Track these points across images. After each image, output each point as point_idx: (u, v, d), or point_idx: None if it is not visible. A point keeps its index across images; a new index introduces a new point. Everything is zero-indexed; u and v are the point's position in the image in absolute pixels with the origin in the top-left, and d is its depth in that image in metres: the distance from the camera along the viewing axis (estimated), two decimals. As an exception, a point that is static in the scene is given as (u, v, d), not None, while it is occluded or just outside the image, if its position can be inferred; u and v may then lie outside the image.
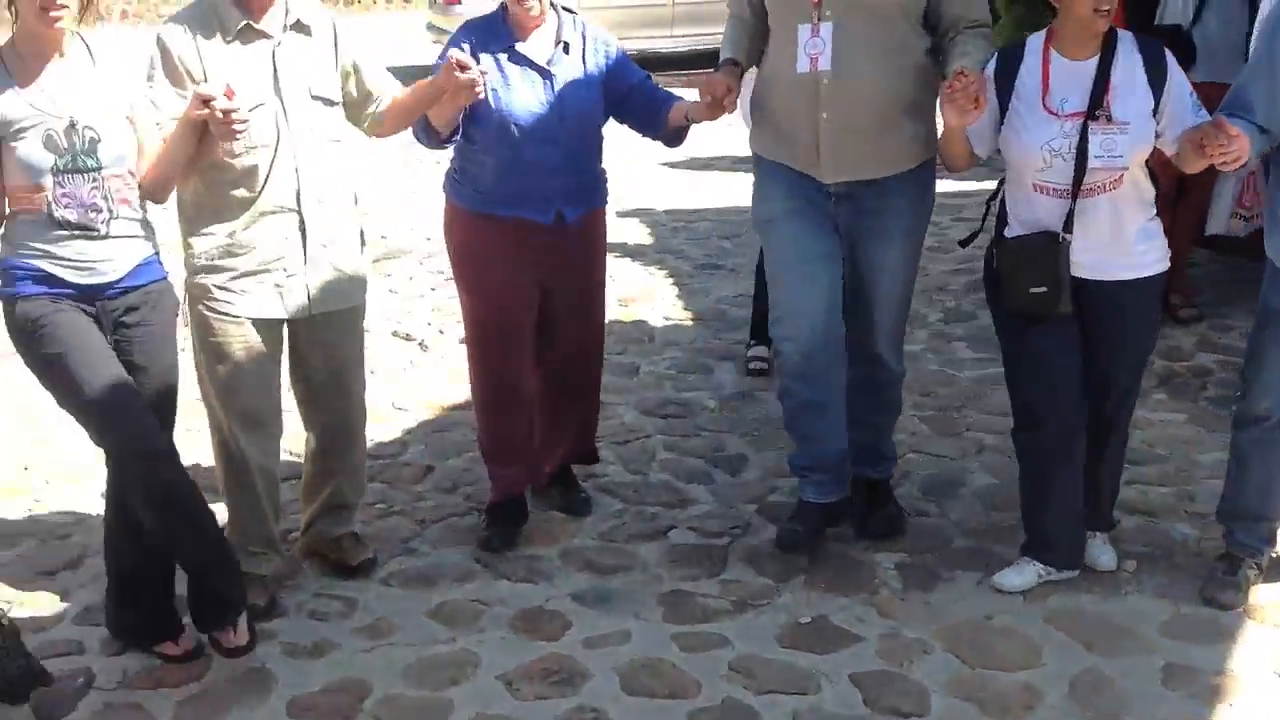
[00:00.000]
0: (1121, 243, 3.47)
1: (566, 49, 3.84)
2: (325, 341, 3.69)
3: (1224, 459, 3.80)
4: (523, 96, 3.76)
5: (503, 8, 3.85)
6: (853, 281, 3.82)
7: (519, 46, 3.81)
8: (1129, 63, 3.41)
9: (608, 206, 4.13)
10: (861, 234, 3.76)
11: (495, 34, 3.83)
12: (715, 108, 3.65)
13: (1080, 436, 3.64)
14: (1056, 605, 3.61)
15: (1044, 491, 3.69)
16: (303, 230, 3.53)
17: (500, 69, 3.78)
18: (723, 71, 3.76)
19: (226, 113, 3.16)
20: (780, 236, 3.85)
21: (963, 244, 3.84)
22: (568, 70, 3.83)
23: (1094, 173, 3.38)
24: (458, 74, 3.45)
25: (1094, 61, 3.41)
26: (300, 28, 3.52)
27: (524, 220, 3.82)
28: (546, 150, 3.75)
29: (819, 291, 3.77)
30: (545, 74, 3.79)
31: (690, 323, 6.10)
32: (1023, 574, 3.72)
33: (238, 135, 3.23)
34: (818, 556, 3.91)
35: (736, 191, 7.39)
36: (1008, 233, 3.58)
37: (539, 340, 4.06)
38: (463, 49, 3.65)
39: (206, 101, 3.16)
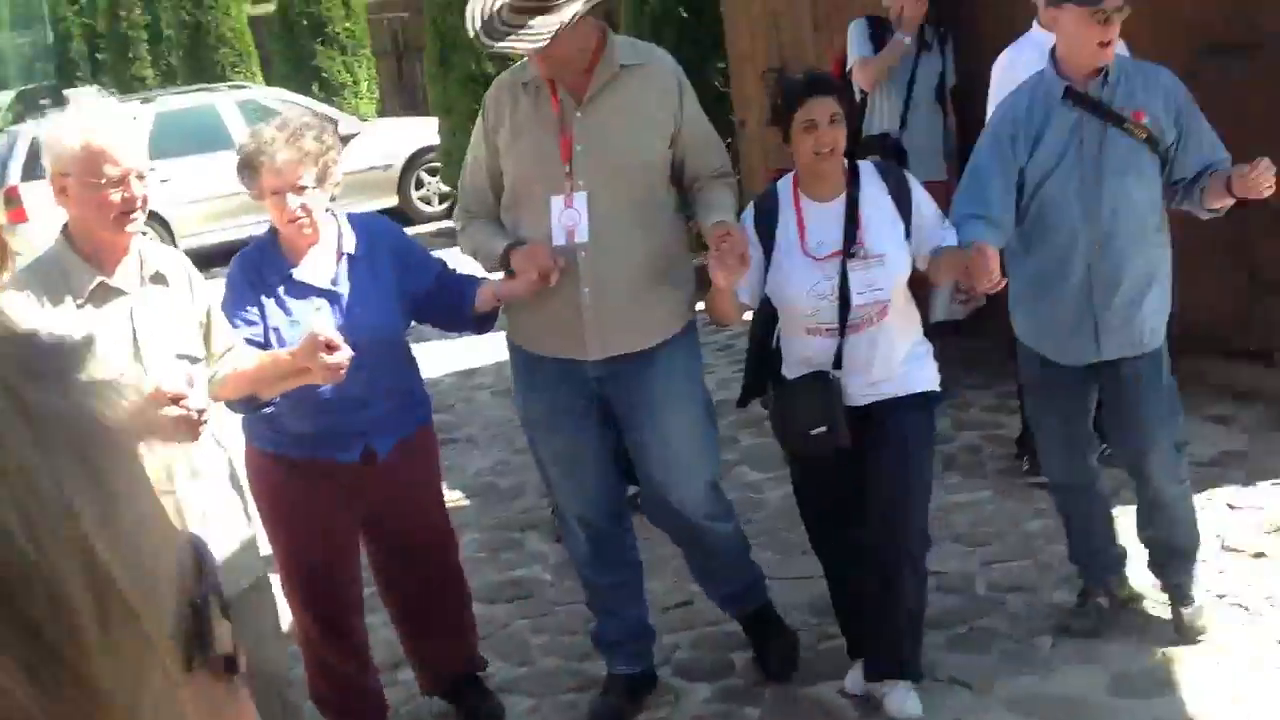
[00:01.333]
0: (892, 367, 3.58)
1: (351, 261, 3.48)
2: None
3: (1048, 521, 4.18)
4: (308, 329, 3.22)
5: (272, 230, 3.48)
6: (643, 460, 3.74)
7: (295, 273, 3.44)
8: (875, 194, 3.56)
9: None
10: (637, 410, 3.66)
11: (269, 263, 3.45)
12: (544, 279, 3.44)
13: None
14: (1006, 694, 3.78)
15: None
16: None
17: (280, 304, 3.41)
18: (530, 246, 3.51)
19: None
20: (548, 444, 3.79)
21: (740, 404, 3.93)
22: (355, 285, 3.46)
23: (859, 309, 3.49)
24: (324, 356, 3.03)
25: (842, 200, 3.53)
26: (159, 279, 3.01)
27: (327, 462, 3.46)
28: (344, 383, 3.19)
29: (596, 495, 3.77)
30: (330, 296, 3.44)
31: (467, 502, 5.86)
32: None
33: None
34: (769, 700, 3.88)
35: (441, 359, 7.20)
36: (784, 373, 3.65)
37: (380, 573, 3.80)
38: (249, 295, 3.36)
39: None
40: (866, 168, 3.62)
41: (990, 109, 4.86)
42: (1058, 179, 3.62)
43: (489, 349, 5.87)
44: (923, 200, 3.61)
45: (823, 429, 3.50)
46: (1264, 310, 5.28)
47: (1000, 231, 3.60)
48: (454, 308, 3.66)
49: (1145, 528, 3.93)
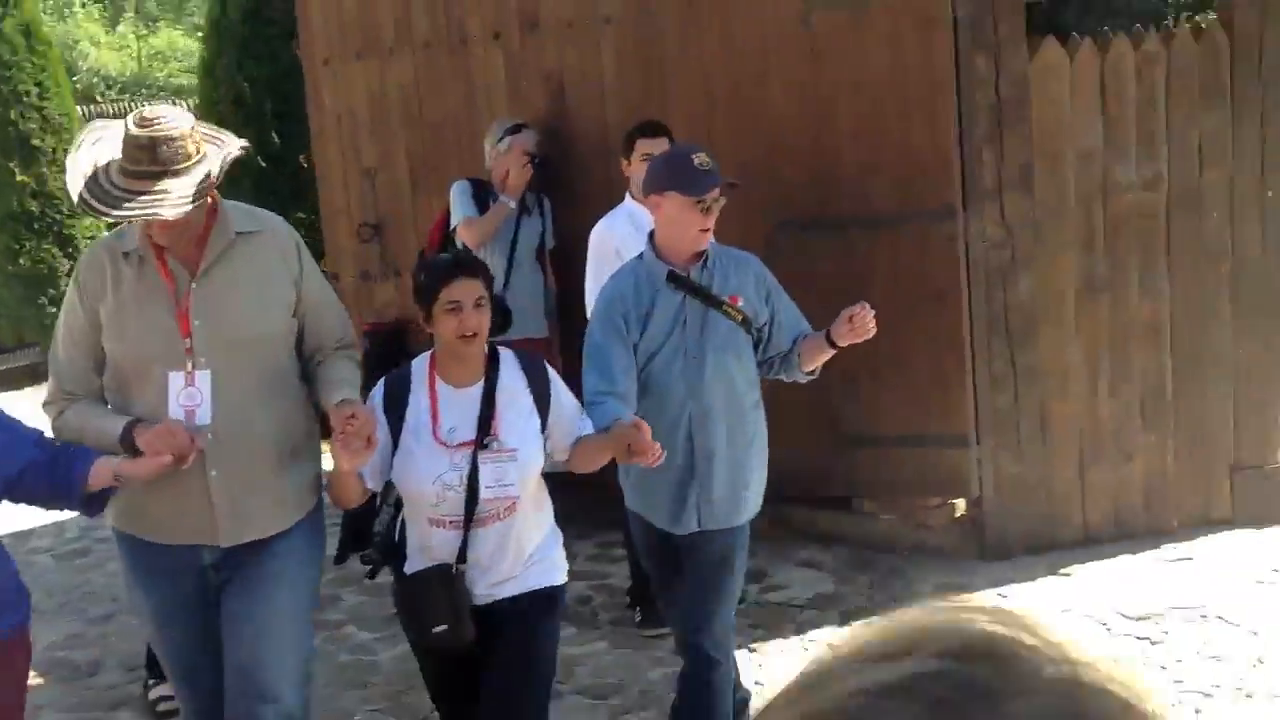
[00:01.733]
0: (518, 564, 3.47)
1: None
2: None
3: (668, 670, 4.36)
4: None
5: None
6: (234, 632, 3.43)
7: None
8: (513, 384, 3.46)
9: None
10: (248, 583, 3.42)
11: None
12: (179, 460, 3.18)
13: None
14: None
15: None
16: None
17: None
18: (163, 425, 3.23)
19: None
20: (163, 643, 3.56)
21: (337, 561, 3.78)
22: None
23: (486, 503, 3.35)
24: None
25: (479, 387, 3.42)
26: None
27: None
28: None
29: (212, 701, 3.49)
30: None
31: (40, 680, 5.29)
32: None
33: None
34: None
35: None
36: (406, 567, 3.50)
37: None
38: None
39: None
40: (508, 357, 3.54)
41: (590, 274, 5.15)
42: (664, 356, 3.78)
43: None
44: (562, 392, 3.55)
45: (444, 627, 3.38)
46: (844, 461, 5.77)
47: (629, 404, 3.68)
48: (59, 485, 3.24)
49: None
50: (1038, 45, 5.47)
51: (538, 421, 3.45)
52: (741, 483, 3.91)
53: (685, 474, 3.83)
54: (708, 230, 3.80)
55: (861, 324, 3.76)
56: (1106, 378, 5.63)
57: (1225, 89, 5.53)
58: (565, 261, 5.95)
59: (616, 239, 5.09)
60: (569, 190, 6.10)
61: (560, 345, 5.88)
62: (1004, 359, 5.56)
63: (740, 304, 3.85)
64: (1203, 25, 5.63)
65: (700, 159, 3.77)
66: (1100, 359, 5.62)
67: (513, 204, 5.80)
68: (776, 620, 5.24)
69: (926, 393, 5.61)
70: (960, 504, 5.85)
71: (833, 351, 3.91)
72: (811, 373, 4.03)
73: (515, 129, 5.88)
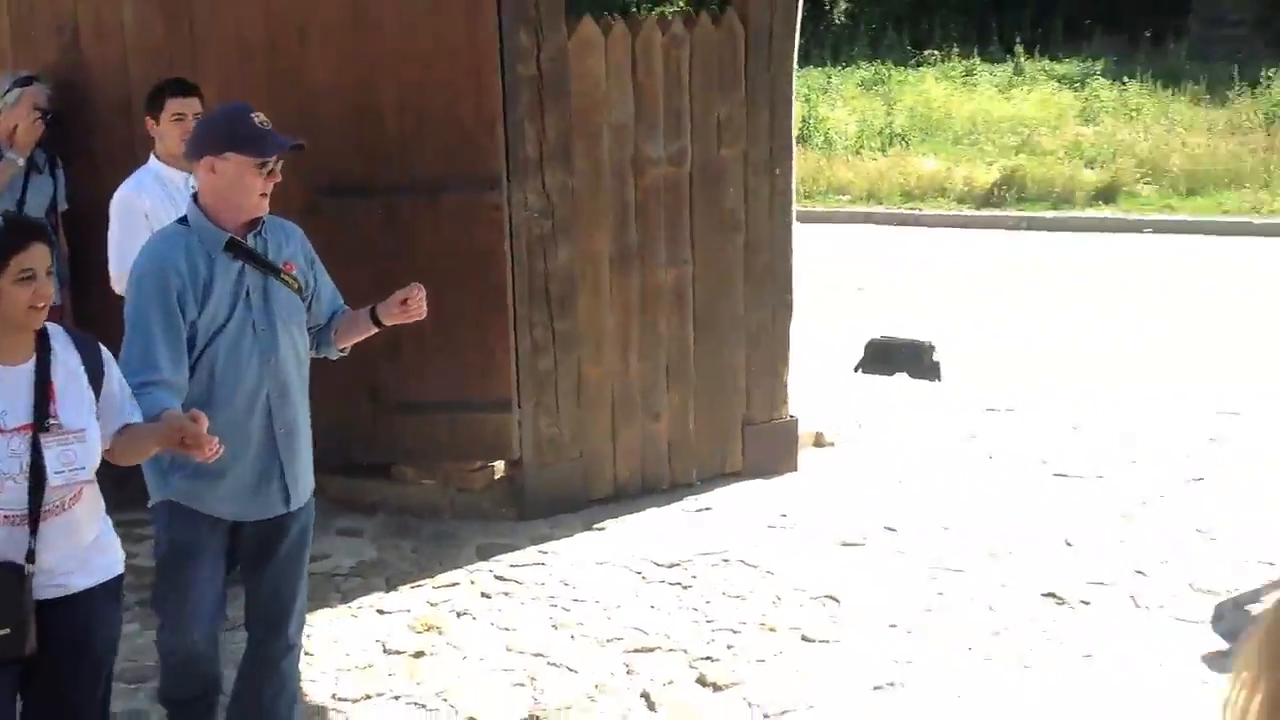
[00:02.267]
0: (82, 553, 3.22)
1: None
2: None
3: None
4: None
5: None
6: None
7: None
8: (69, 360, 3.19)
9: None
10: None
11: None
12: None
13: None
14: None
15: None
16: None
17: None
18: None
19: None
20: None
21: None
22: None
23: (55, 491, 3.08)
24: None
25: (30, 365, 3.12)
26: None
27: None
28: None
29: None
30: None
31: None
32: None
33: None
34: None
35: None
36: None
37: None
38: None
39: None
40: (57, 331, 3.23)
41: (114, 240, 4.84)
42: (231, 332, 3.59)
43: None
44: (116, 373, 3.29)
45: (5, 631, 3.06)
46: (384, 427, 5.78)
47: (178, 393, 3.47)
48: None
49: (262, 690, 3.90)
50: (576, 24, 5.69)
51: (92, 398, 3.19)
52: (308, 458, 3.84)
53: (268, 456, 3.67)
54: (266, 194, 3.65)
55: (416, 306, 3.78)
56: (636, 342, 5.97)
57: (741, 73, 5.98)
58: (81, 225, 5.58)
59: (146, 203, 4.82)
60: (84, 149, 5.71)
61: (74, 316, 5.49)
62: (544, 325, 5.76)
63: (295, 271, 3.75)
64: (721, 14, 6.04)
65: (260, 118, 3.63)
66: (631, 324, 5.95)
67: (20, 161, 5.40)
68: (321, 590, 5.18)
69: (470, 359, 5.73)
70: (500, 466, 6.03)
71: (374, 330, 3.90)
72: (343, 350, 4.00)
73: (25, 81, 5.47)
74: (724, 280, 6.10)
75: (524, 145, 5.63)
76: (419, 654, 4.70)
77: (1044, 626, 4.78)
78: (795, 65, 6.17)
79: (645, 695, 4.39)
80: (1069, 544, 5.45)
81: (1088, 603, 4.94)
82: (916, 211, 14.73)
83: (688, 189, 5.99)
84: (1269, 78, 17.19)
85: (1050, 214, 14.12)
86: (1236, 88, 17.78)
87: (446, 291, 5.35)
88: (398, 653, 4.72)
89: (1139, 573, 5.17)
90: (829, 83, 21.22)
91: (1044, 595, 5.01)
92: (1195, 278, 11.27)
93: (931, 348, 8.07)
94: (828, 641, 4.71)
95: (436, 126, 5.55)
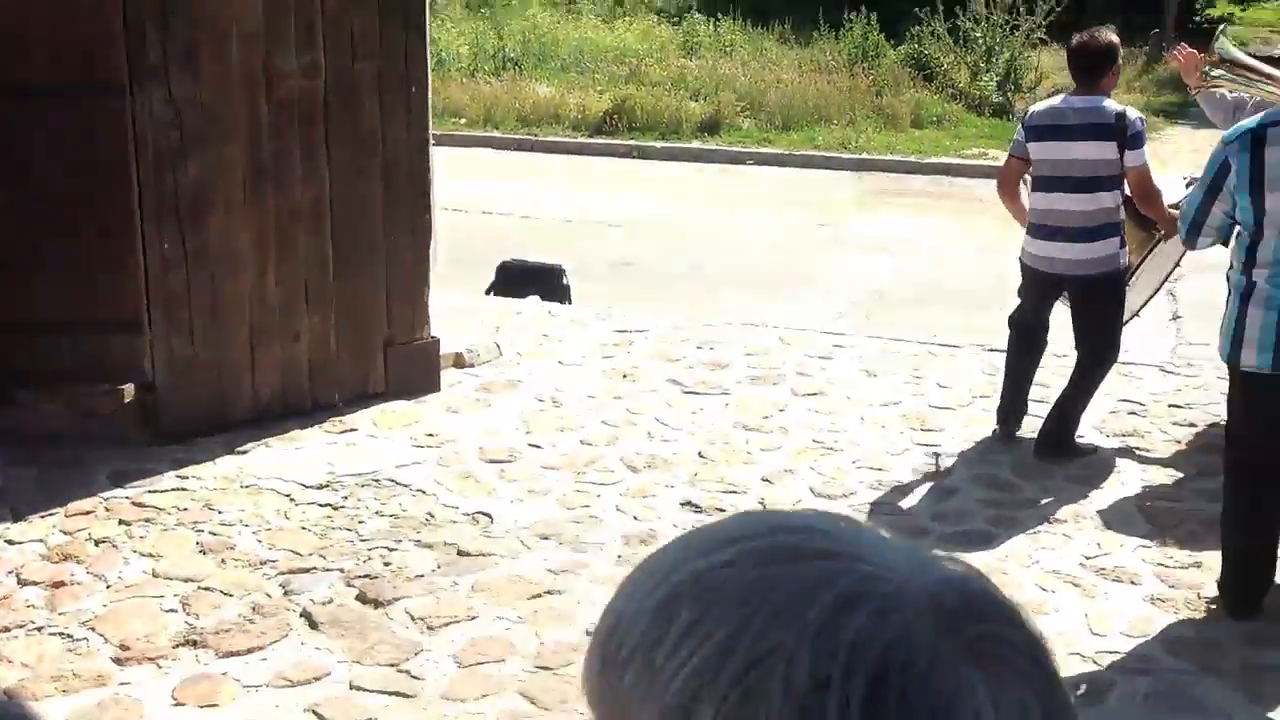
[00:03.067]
0: None
1: None
2: None
3: None
4: None
5: None
6: None
7: None
8: None
9: None
10: None
11: None
12: None
13: None
14: None
15: None
16: None
17: None
18: None
19: None
20: None
21: None
22: None
23: None
24: None
25: None
26: None
27: None
28: None
29: None
30: None
31: None
32: None
33: None
34: None
35: None
36: None
37: None
38: None
39: None
40: None
41: None
42: None
43: None
44: None
45: None
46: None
47: None
48: None
49: None
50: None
51: None
52: None
53: None
54: None
55: None
56: (274, 261, 5.78)
57: (375, -14, 5.86)
58: None
59: None
60: None
61: None
62: (175, 242, 5.48)
63: None
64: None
65: None
66: (267, 243, 5.75)
67: None
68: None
69: (95, 277, 5.38)
70: (129, 389, 5.71)
71: None
72: None
73: None
74: (362, 200, 5.98)
75: (147, 50, 5.30)
76: (58, 584, 4.42)
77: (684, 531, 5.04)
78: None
79: (306, 614, 4.32)
80: (702, 456, 5.76)
81: (722, 510, 5.26)
82: (533, 137, 14.91)
83: (322, 105, 5.82)
84: (850, 20, 18.43)
85: (660, 144, 14.66)
86: (822, 29, 18.99)
87: (66, 205, 5.01)
88: (34, 583, 4.43)
89: (765, 480, 5.55)
90: (435, 3, 21.04)
91: (683, 504, 5.28)
92: (794, 205, 12.04)
93: (562, 270, 8.24)
94: (484, 555, 4.79)
95: (52, 26, 5.13)
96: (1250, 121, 4.27)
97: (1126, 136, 5.40)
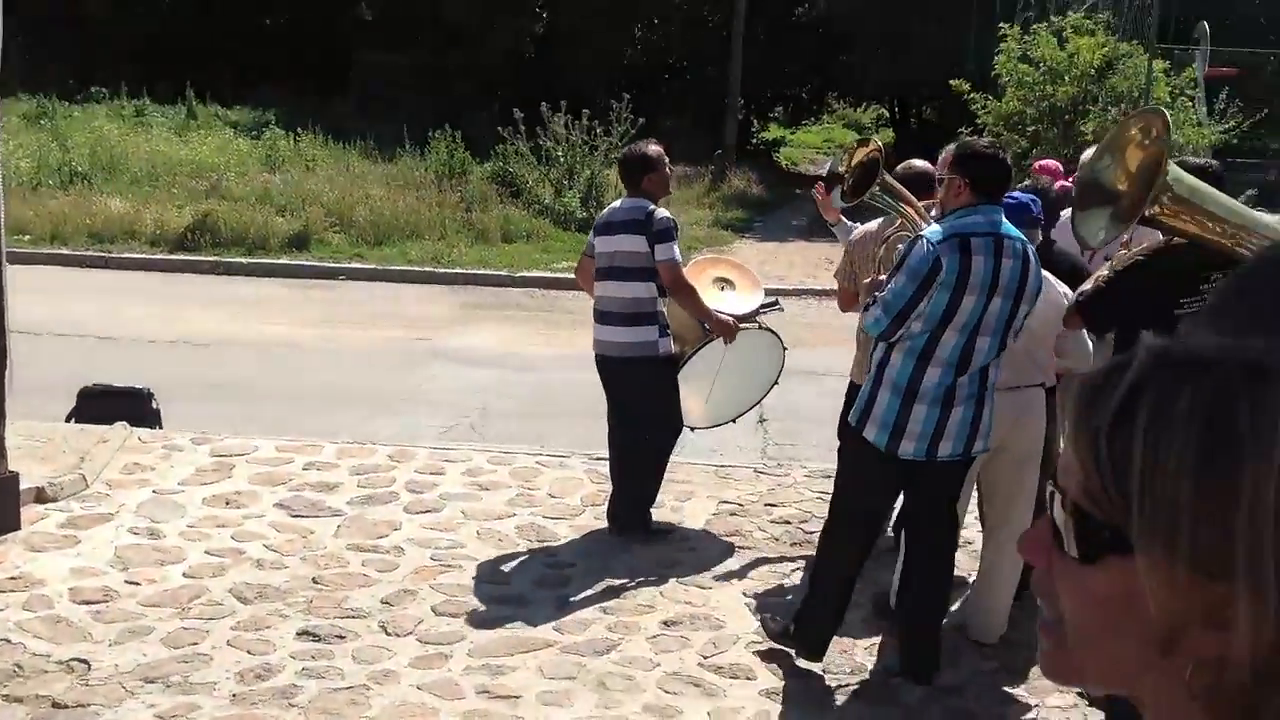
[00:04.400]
0: None
1: None
2: None
3: None
4: None
5: None
6: None
7: None
8: None
9: None
10: None
11: None
12: None
13: None
14: None
15: None
16: None
17: None
18: None
19: None
20: None
21: None
22: None
23: None
24: None
25: None
26: None
27: None
28: None
29: None
30: None
31: None
32: None
33: None
34: None
35: None
36: None
37: None
38: None
39: None
40: None
41: None
42: None
43: None
44: None
45: None
46: None
47: None
48: None
49: None
50: None
51: None
52: None
53: None
54: None
55: None
56: None
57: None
58: None
59: None
60: None
61: None
62: None
63: None
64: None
65: None
66: None
67: None
68: None
69: None
70: None
71: None
72: None
73: None
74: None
75: None
76: None
77: (304, 663, 4.81)
78: None
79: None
80: (316, 582, 5.54)
81: (343, 637, 5.05)
82: (106, 254, 14.10)
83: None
84: (435, 139, 18.70)
85: (247, 259, 14.22)
86: (407, 146, 19.15)
87: None
88: None
89: (385, 603, 5.38)
90: (-10, 115, 19.74)
91: (299, 634, 5.04)
92: (391, 320, 11.96)
93: (149, 393, 7.78)
94: (82, 706, 4.38)
95: None
96: (941, 230, 4.46)
97: (653, 232, 5.89)
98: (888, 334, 4.52)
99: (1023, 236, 4.58)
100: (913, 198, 5.04)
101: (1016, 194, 5.12)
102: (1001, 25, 18.84)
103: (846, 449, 4.99)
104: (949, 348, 4.47)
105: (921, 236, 4.51)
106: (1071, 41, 17.24)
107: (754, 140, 32.79)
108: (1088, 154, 4.84)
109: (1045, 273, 4.75)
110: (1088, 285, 4.55)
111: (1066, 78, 17.15)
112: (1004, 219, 4.54)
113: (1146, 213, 3.99)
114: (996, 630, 5.21)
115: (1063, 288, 4.89)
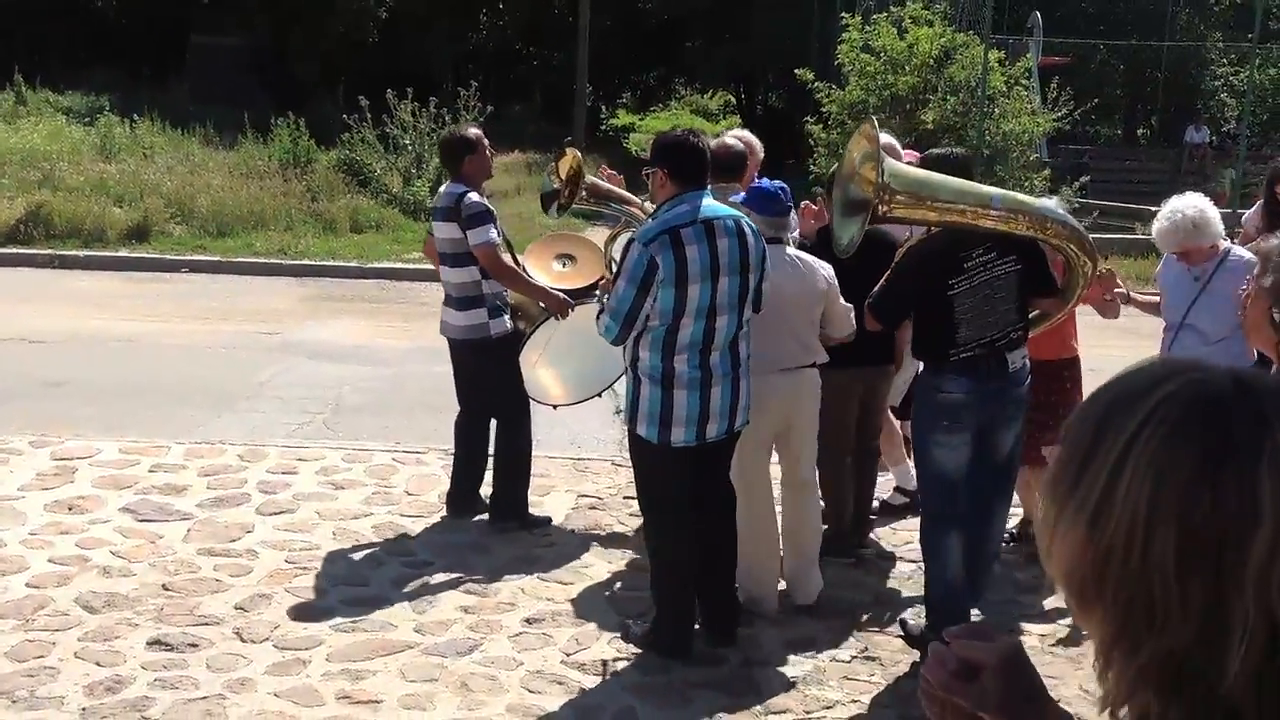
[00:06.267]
0: None
1: None
2: None
3: None
4: None
5: None
6: None
7: None
8: None
9: None
10: None
11: None
12: None
13: None
14: None
15: None
16: None
17: None
18: None
19: None
20: None
21: None
22: None
23: None
24: None
25: None
26: None
27: None
28: None
29: None
30: None
31: None
32: None
33: None
34: None
35: None
36: None
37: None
38: None
39: None
40: None
41: None
42: None
43: None
44: None
45: None
46: None
47: None
48: None
49: None
50: None
51: None
52: None
53: None
54: None
55: None
56: None
57: None
58: None
59: None
60: None
61: None
62: None
63: None
64: None
65: None
66: None
67: None
68: None
69: None
70: None
71: None
72: None
73: None
74: None
75: None
76: None
77: (156, 674, 4.69)
78: None
79: None
80: (167, 589, 5.40)
81: (195, 646, 4.93)
82: (-68, 248, 13.51)
83: None
84: (278, 126, 18.29)
85: (84, 253, 13.74)
86: (249, 133, 18.70)
87: None
88: None
89: (240, 609, 5.28)
90: None
91: (150, 643, 4.91)
92: (238, 314, 11.68)
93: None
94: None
95: None
96: (656, 225, 4.65)
97: (464, 218, 5.97)
98: (621, 338, 4.75)
99: (735, 212, 4.83)
100: (628, 195, 5.32)
101: (764, 183, 5.36)
102: (844, 15, 19.19)
103: (630, 447, 5.10)
104: (689, 333, 4.69)
105: (633, 240, 4.74)
106: (911, 32, 17.64)
107: (603, 127, 32.84)
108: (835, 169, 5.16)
109: (810, 258, 5.21)
110: (876, 289, 4.95)
111: (907, 67, 17.55)
112: (711, 200, 4.77)
113: (880, 211, 4.48)
114: (815, 589, 5.46)
115: (826, 271, 5.23)
